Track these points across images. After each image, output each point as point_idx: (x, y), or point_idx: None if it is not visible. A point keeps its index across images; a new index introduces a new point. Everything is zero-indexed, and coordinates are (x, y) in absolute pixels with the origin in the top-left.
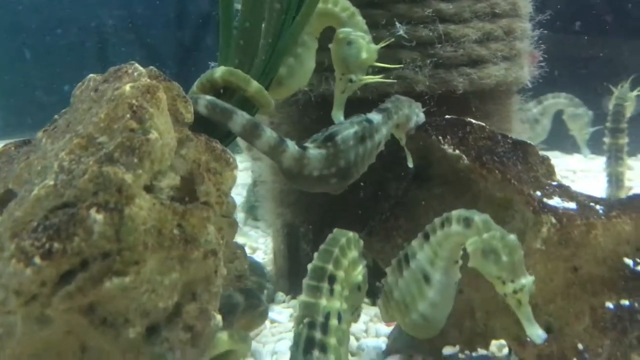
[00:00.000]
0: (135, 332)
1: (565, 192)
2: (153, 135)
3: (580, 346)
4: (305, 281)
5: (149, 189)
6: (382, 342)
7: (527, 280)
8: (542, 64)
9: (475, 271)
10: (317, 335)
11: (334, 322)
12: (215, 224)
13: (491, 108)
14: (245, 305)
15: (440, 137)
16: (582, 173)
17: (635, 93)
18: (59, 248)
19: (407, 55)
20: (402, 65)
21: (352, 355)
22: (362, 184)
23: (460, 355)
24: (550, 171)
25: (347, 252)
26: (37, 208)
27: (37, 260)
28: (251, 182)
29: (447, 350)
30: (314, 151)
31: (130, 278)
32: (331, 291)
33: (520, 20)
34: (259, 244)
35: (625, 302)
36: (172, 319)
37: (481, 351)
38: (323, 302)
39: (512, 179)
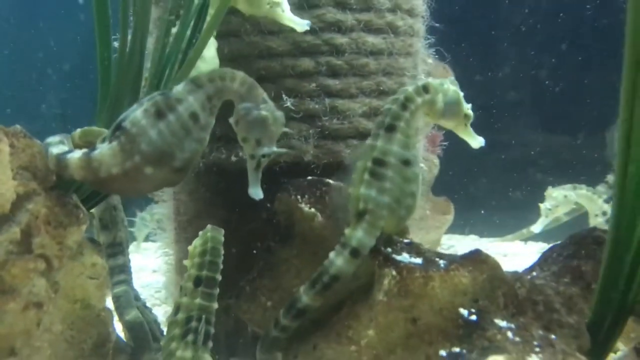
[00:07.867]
0: None
1: (414, 248)
2: None
3: None
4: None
5: None
6: None
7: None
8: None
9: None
10: None
11: None
12: (51, 278)
13: None
14: None
15: (299, 197)
16: None
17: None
18: None
19: (295, 126)
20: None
21: None
22: (233, 250)
23: None
24: (403, 230)
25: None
26: None
27: None
28: None
29: None
30: (100, 149)
31: None
32: None
33: None
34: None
35: (457, 349)
36: None
37: None
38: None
39: None
